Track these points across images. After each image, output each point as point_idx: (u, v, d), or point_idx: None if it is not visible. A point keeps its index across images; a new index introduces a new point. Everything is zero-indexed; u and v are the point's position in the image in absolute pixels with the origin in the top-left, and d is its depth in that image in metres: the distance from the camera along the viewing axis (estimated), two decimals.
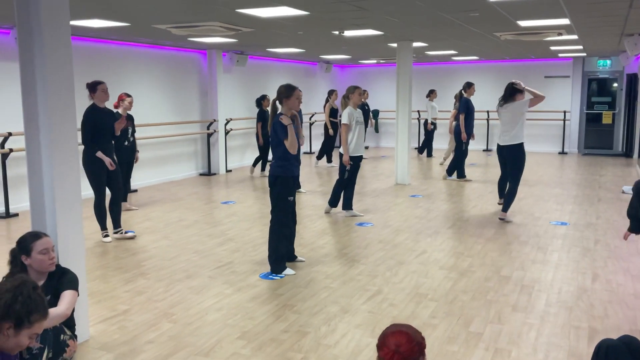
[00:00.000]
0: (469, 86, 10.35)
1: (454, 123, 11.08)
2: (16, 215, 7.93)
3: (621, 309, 4.45)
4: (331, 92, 12.56)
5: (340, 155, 7.55)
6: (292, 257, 5.67)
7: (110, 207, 6.66)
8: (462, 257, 5.84)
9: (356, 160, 7.54)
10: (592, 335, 3.95)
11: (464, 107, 10.30)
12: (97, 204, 6.55)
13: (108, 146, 6.46)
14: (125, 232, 6.73)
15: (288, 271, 5.38)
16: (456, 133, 10.59)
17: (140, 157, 9.82)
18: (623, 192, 9.37)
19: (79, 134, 7.89)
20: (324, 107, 12.70)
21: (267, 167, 11.04)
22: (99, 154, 6.31)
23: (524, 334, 3.99)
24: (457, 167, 10.81)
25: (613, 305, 4.51)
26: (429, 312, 4.40)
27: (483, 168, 12.51)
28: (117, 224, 6.69)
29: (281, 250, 5.38)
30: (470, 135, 10.40)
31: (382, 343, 2.02)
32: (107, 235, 6.63)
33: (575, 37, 9.65)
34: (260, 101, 11.24)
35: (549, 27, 8.38)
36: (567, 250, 6.07)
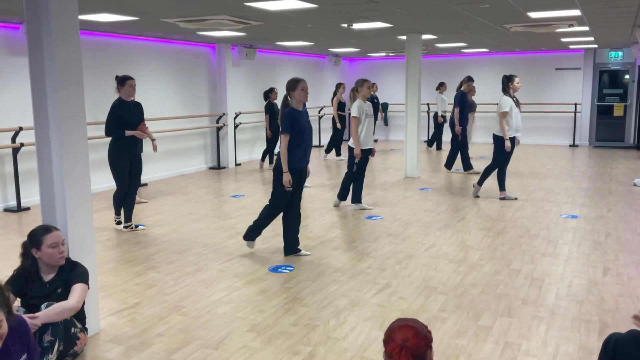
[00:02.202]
0: (466, 80, 10.74)
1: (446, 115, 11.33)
2: (27, 209, 7.99)
3: (632, 302, 4.42)
4: (339, 86, 12.53)
5: (349, 148, 7.55)
6: (296, 250, 5.70)
7: (125, 200, 6.76)
8: (472, 251, 5.82)
9: (365, 153, 7.53)
10: (603, 328, 3.92)
11: (459, 101, 10.61)
12: (117, 194, 6.74)
13: (134, 137, 6.64)
14: (136, 227, 6.79)
15: (250, 244, 5.79)
16: (451, 126, 10.91)
17: (150, 151, 9.86)
18: (635, 184, 9.29)
19: (89, 127, 7.93)
20: (332, 100, 12.67)
21: (275, 158, 11.11)
22: (128, 132, 6.53)
23: (534, 327, 3.97)
24: (454, 159, 11.05)
25: (624, 299, 4.48)
26: (439, 305, 4.39)
27: None
28: (128, 218, 6.75)
29: (261, 225, 5.70)
30: (464, 127, 10.68)
31: (389, 338, 2.01)
32: (120, 222, 6.80)
33: (586, 28, 9.55)
34: (268, 94, 11.26)
35: (560, 19, 8.30)
36: (578, 244, 6.03)
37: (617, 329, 3.81)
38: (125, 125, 6.51)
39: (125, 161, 6.60)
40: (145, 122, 6.81)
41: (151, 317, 4.20)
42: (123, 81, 6.59)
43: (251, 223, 5.81)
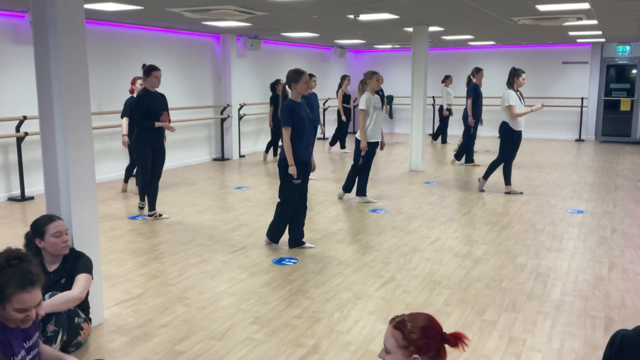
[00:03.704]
0: (477, 71, 10.58)
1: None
2: (32, 198, 7.99)
3: (638, 298, 4.39)
4: (344, 78, 12.47)
5: (356, 140, 7.51)
6: (300, 243, 5.68)
7: (148, 189, 6.83)
8: (477, 245, 5.79)
9: (372, 146, 7.49)
10: (609, 324, 3.90)
11: (472, 92, 10.50)
12: (141, 182, 6.80)
13: (159, 128, 6.65)
14: (159, 215, 6.86)
15: (274, 244, 5.75)
16: (464, 118, 10.77)
17: None
18: None
19: (94, 117, 7.91)
20: (337, 92, 12.62)
21: (279, 152, 11.10)
22: (158, 123, 6.56)
23: (539, 322, 3.95)
24: (466, 151, 10.92)
25: (630, 295, 4.46)
26: (443, 299, 4.37)
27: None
28: (152, 206, 6.84)
29: (280, 225, 5.66)
30: (478, 119, 10.58)
31: (436, 336, 2.02)
32: (142, 207, 6.93)
33: (594, 22, 9.48)
34: (275, 85, 11.24)
35: (569, 12, 8.23)
36: (584, 239, 6.00)
37: (623, 325, 3.78)
38: (151, 115, 6.53)
39: (148, 151, 6.64)
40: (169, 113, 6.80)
41: (155, 308, 4.20)
42: (148, 72, 6.59)
43: (269, 225, 5.80)
